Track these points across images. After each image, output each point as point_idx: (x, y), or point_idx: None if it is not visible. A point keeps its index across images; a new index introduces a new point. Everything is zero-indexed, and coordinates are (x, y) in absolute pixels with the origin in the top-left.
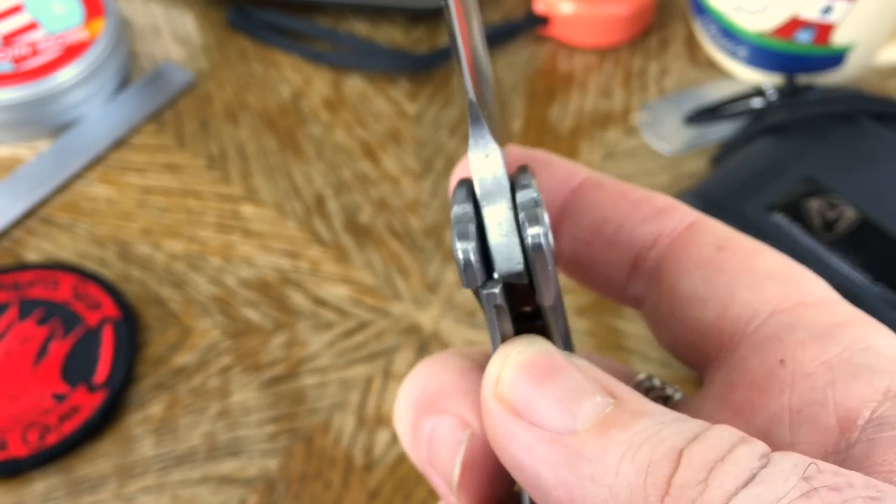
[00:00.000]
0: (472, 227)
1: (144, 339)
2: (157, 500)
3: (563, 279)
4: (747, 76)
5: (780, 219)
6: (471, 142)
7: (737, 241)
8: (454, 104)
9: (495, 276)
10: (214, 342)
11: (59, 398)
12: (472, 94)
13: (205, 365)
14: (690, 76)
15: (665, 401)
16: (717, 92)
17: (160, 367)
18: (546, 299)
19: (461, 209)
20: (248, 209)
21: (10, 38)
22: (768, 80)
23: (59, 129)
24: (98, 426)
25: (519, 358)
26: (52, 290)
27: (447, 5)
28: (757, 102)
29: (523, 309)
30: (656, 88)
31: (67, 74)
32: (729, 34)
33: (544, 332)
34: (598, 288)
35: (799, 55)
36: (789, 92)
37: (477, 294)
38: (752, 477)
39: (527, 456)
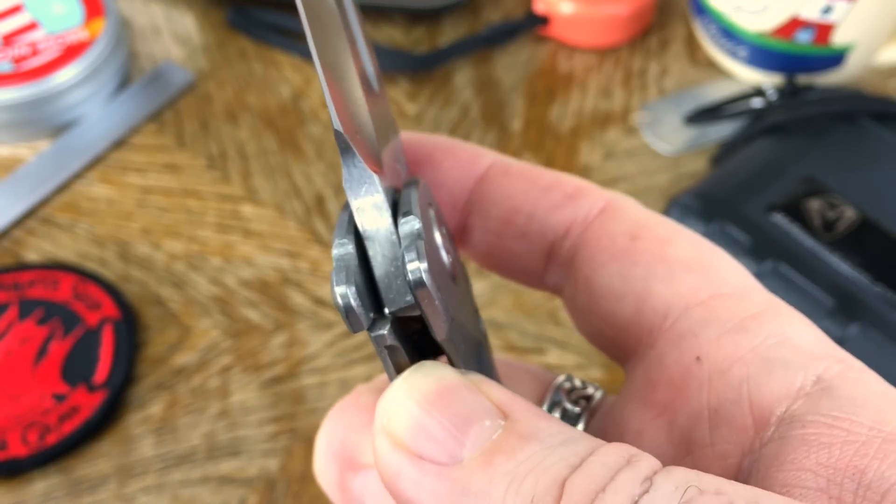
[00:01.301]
0: (353, 269)
1: (144, 339)
2: (157, 500)
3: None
4: (747, 76)
5: (780, 219)
6: (344, 173)
7: (650, 227)
8: (454, 104)
9: (385, 309)
10: (214, 342)
11: (59, 398)
12: (337, 125)
13: (205, 365)
14: (690, 76)
15: (587, 400)
16: (717, 92)
17: (160, 367)
18: (439, 335)
19: (341, 248)
20: (248, 209)
21: (10, 38)
22: (768, 80)
23: (59, 129)
24: (98, 426)
25: (405, 386)
26: (52, 290)
27: (304, 25)
28: (757, 102)
29: (428, 334)
30: (656, 88)
31: (67, 74)
32: (729, 34)
33: (447, 354)
34: (516, 278)
35: (799, 55)
36: (789, 92)
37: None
38: None
39: (414, 493)
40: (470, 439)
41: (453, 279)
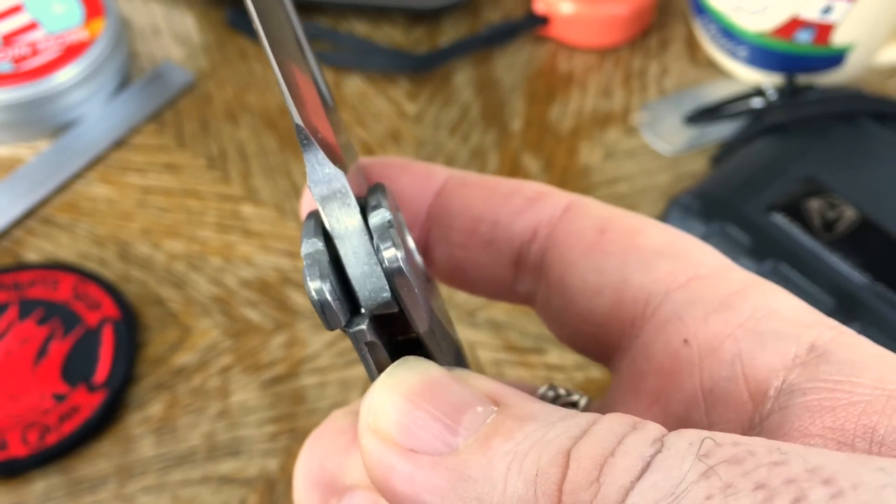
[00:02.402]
0: (326, 264)
1: (144, 339)
2: (157, 499)
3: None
4: (747, 76)
5: (780, 219)
6: (308, 170)
7: (616, 220)
8: (454, 104)
9: (362, 310)
10: (214, 342)
11: (59, 398)
12: (297, 119)
13: (205, 365)
14: (690, 76)
15: (573, 406)
16: (717, 92)
17: (160, 367)
18: (420, 326)
19: (310, 245)
20: (248, 209)
21: (10, 38)
22: (768, 80)
23: (59, 129)
24: (98, 426)
25: (389, 381)
26: (52, 290)
27: (256, 28)
28: (757, 102)
29: (405, 335)
30: (656, 88)
31: (67, 74)
32: (729, 34)
33: (428, 354)
34: (484, 291)
35: (799, 55)
36: (789, 92)
37: (345, 332)
38: (647, 466)
39: (411, 488)
40: (463, 426)
41: (428, 280)
